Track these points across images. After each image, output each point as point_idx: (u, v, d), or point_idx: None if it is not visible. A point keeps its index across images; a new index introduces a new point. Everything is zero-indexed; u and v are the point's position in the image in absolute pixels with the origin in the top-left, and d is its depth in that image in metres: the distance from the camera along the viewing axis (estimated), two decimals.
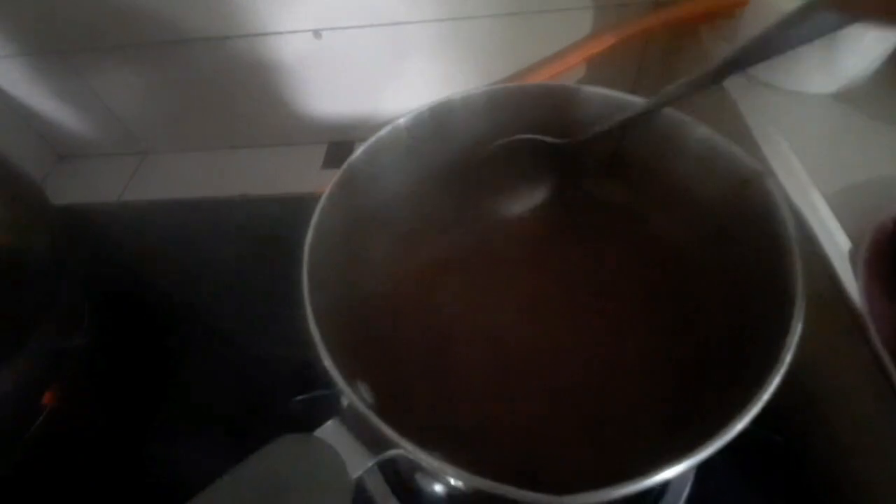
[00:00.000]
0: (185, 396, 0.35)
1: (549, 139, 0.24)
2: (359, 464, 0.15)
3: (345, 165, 0.21)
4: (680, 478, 0.26)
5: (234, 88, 0.49)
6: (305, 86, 0.49)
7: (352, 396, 0.15)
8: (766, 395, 0.15)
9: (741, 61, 0.19)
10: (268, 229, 0.45)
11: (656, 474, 0.14)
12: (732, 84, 0.37)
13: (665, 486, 0.26)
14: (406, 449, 0.14)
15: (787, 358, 0.16)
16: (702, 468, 0.26)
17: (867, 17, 0.14)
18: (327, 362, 0.16)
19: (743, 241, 0.21)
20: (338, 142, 0.54)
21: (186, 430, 0.33)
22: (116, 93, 0.49)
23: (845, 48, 0.33)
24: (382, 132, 0.22)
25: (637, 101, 0.22)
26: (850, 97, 0.35)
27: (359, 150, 0.22)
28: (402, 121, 0.23)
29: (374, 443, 0.15)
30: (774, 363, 0.16)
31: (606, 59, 0.45)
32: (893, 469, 0.24)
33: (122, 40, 0.45)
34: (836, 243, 0.28)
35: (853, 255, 0.27)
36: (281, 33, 0.44)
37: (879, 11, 0.13)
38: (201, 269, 0.42)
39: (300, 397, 0.27)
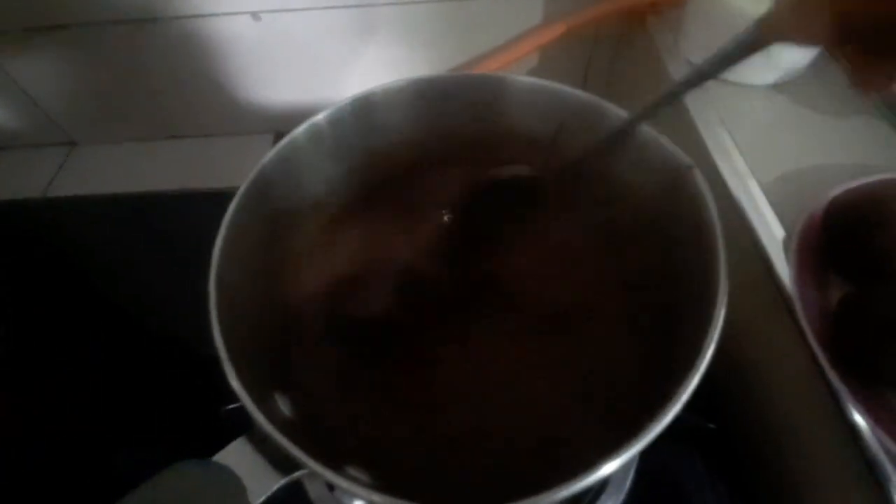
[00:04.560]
0: (111, 404, 0.33)
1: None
2: (262, 488, 0.14)
3: (257, 167, 0.20)
4: (623, 465, 0.26)
5: (170, 74, 0.46)
6: (247, 72, 0.47)
7: (257, 416, 0.14)
8: (687, 391, 0.15)
9: (695, 80, 0.20)
10: (210, 226, 0.42)
11: (585, 477, 0.14)
12: (676, 72, 0.37)
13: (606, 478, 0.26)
14: (313, 468, 0.13)
15: (710, 350, 0.16)
16: (644, 454, 0.26)
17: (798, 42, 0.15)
18: (234, 382, 0.15)
19: (676, 232, 0.21)
20: (285, 132, 0.52)
21: (111, 440, 0.31)
22: (37, 79, 0.46)
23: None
24: (299, 130, 0.21)
25: (565, 90, 0.22)
26: (787, 88, 0.35)
27: (272, 151, 0.20)
28: (320, 117, 0.21)
29: (283, 462, 0.14)
30: (699, 352, 0.16)
31: (558, 50, 0.45)
32: (823, 452, 0.25)
33: (41, 21, 0.41)
34: (771, 232, 0.28)
35: (786, 245, 0.27)
36: (217, 15, 0.42)
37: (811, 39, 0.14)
38: (136, 269, 0.40)
39: (231, 406, 0.26)
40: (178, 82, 0.47)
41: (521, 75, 0.22)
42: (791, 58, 0.35)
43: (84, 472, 0.31)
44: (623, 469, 0.25)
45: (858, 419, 0.23)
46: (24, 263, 0.41)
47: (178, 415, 0.33)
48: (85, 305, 0.40)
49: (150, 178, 0.48)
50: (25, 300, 0.39)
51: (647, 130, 0.21)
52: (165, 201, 0.45)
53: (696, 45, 0.38)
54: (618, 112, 0.21)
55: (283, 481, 0.14)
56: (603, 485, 0.25)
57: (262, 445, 0.15)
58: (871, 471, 0.22)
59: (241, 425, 0.19)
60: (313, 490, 0.26)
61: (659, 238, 0.22)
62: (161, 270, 0.40)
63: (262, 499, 0.14)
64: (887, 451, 0.22)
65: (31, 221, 0.44)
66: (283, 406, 0.17)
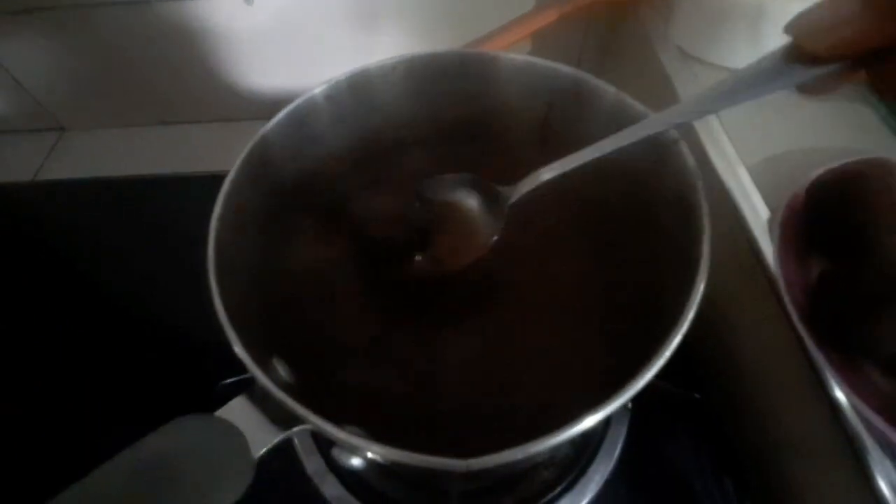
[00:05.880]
0: (107, 383, 0.33)
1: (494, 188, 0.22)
2: (263, 441, 0.15)
3: (256, 137, 0.20)
4: (613, 435, 0.27)
5: (161, 59, 0.46)
6: (240, 56, 0.46)
7: (258, 373, 0.15)
8: (668, 351, 0.15)
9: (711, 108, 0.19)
10: (201, 209, 0.42)
11: (567, 430, 0.14)
12: (666, 58, 0.38)
13: (601, 440, 0.27)
14: (313, 422, 0.14)
15: (691, 314, 0.16)
16: (632, 424, 0.27)
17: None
18: (236, 346, 0.15)
19: (661, 203, 0.22)
20: None
21: (106, 419, 0.31)
22: (24, 62, 0.45)
23: (770, 26, 0.35)
24: (297, 102, 0.21)
25: (557, 67, 0.22)
26: None
27: (272, 122, 0.21)
28: (318, 91, 0.22)
29: (283, 418, 0.15)
30: (680, 316, 0.16)
31: (550, 37, 0.45)
32: (804, 422, 0.26)
33: (28, 3, 0.41)
34: (756, 212, 0.29)
35: (770, 224, 0.28)
36: None
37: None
38: (126, 253, 0.40)
39: (228, 381, 0.26)
40: (169, 67, 0.46)
41: (510, 53, 0.22)
42: (777, 42, 0.36)
43: (76, 449, 0.31)
44: (612, 438, 0.26)
45: (838, 391, 0.23)
46: (14, 247, 0.41)
47: (171, 396, 0.33)
48: (75, 289, 0.40)
49: (141, 164, 0.47)
50: (15, 284, 0.39)
51: (634, 104, 0.21)
52: (156, 185, 0.45)
53: (687, 33, 0.38)
54: (607, 89, 0.22)
55: (282, 435, 0.15)
56: (594, 453, 0.26)
57: (263, 403, 0.15)
58: (849, 441, 0.23)
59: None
60: (310, 465, 0.26)
61: (644, 210, 0.22)
62: (151, 254, 0.40)
63: (264, 451, 0.15)
64: (865, 422, 0.23)
65: (20, 206, 0.44)
66: (282, 370, 0.17)
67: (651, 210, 0.21)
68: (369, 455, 0.21)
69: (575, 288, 0.23)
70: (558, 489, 0.26)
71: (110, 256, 0.41)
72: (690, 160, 0.20)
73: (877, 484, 0.22)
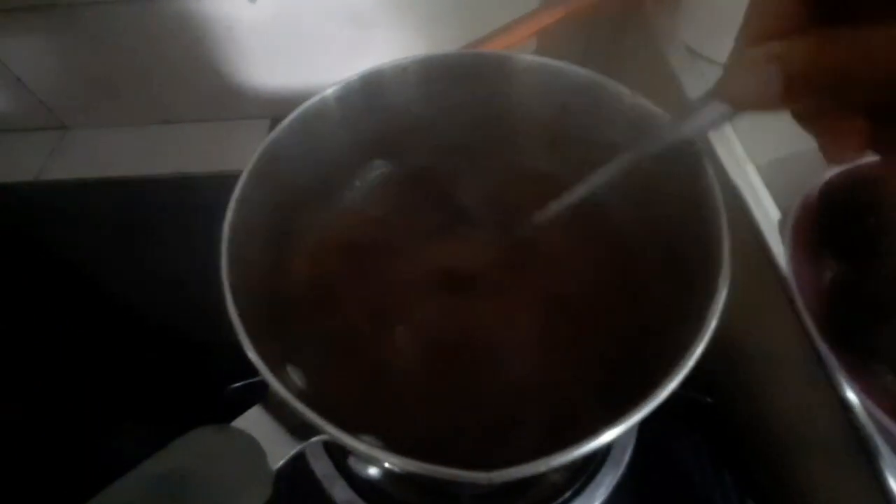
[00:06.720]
0: (113, 387, 0.33)
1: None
2: (281, 452, 0.15)
3: (267, 140, 0.20)
4: (623, 440, 0.27)
5: (164, 57, 0.45)
6: (243, 55, 0.46)
7: (274, 383, 0.14)
8: (691, 360, 0.15)
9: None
10: (205, 209, 0.42)
11: (590, 442, 0.14)
12: (674, 56, 0.37)
13: (610, 444, 0.27)
14: (331, 434, 0.14)
15: (713, 322, 0.16)
16: (642, 429, 0.27)
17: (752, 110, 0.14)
18: (250, 352, 0.15)
19: (675, 207, 0.21)
20: (282, 117, 0.52)
21: (114, 422, 0.31)
22: (26, 61, 0.45)
23: None
24: (308, 104, 0.21)
25: (570, 68, 0.22)
26: None
27: (283, 124, 0.20)
28: (329, 91, 0.21)
29: (300, 429, 0.15)
30: (702, 325, 0.16)
31: (556, 35, 0.44)
32: (816, 426, 0.26)
33: (29, 1, 0.40)
34: (767, 213, 0.29)
35: (782, 225, 0.28)
36: None
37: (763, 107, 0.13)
38: (131, 253, 0.40)
39: (236, 385, 0.26)
40: (171, 65, 0.46)
41: (525, 54, 0.22)
42: None
43: (83, 455, 0.31)
44: (622, 442, 0.26)
45: (850, 394, 0.23)
46: (16, 247, 0.41)
47: (177, 399, 0.33)
48: (76, 289, 0.40)
49: (144, 163, 0.47)
50: (16, 284, 0.39)
51: (652, 108, 0.21)
52: (159, 185, 0.45)
53: (695, 31, 0.38)
54: (623, 91, 0.21)
55: (299, 447, 0.15)
56: (603, 457, 0.26)
57: (278, 413, 0.15)
58: (861, 443, 0.23)
59: (244, 403, 0.19)
60: (319, 469, 0.26)
61: (660, 218, 0.22)
62: (154, 254, 0.40)
63: (282, 463, 0.15)
64: (877, 423, 0.23)
65: (23, 206, 0.44)
66: (296, 377, 0.17)
67: (667, 217, 0.21)
68: (386, 465, 0.21)
69: (592, 298, 0.23)
70: (568, 493, 0.26)
71: (112, 256, 0.41)
72: (707, 165, 0.20)
73: (888, 486, 0.22)
